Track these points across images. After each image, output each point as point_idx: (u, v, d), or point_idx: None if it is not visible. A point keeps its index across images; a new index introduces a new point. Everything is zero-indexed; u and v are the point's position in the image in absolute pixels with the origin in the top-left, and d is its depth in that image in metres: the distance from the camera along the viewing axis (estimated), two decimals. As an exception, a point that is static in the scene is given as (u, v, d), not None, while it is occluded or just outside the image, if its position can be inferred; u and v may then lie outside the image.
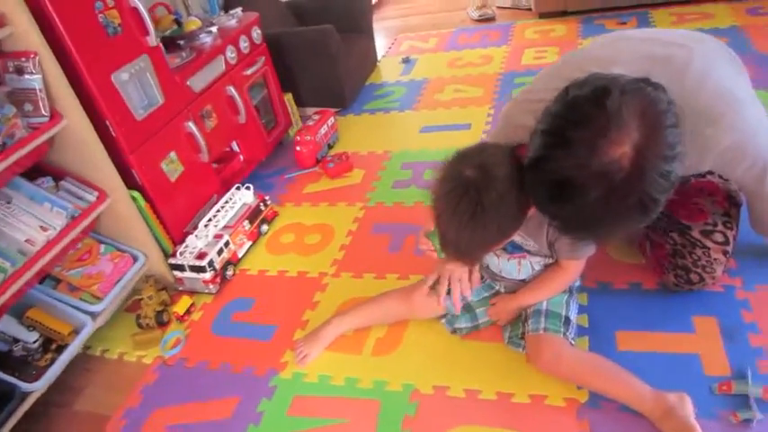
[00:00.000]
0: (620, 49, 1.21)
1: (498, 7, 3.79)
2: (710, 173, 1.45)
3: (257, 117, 2.38)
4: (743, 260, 1.52)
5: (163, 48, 1.96)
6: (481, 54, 3.14)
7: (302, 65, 2.71)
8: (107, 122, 1.66)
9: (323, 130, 2.45)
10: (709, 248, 1.35)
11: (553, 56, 2.97)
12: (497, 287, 1.47)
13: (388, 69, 3.28)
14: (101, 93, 1.62)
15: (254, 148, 2.40)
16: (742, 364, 1.27)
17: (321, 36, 2.60)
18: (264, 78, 2.46)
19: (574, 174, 0.89)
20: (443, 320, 1.51)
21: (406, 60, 3.28)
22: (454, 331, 1.49)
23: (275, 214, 2.13)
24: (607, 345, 1.39)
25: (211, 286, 1.82)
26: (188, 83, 1.96)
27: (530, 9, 3.58)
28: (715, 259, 1.36)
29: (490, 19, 3.66)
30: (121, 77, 1.68)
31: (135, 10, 1.72)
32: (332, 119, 2.53)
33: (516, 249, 1.34)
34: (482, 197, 1.00)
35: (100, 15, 1.61)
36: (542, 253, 1.32)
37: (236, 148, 2.37)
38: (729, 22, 2.87)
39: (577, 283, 1.48)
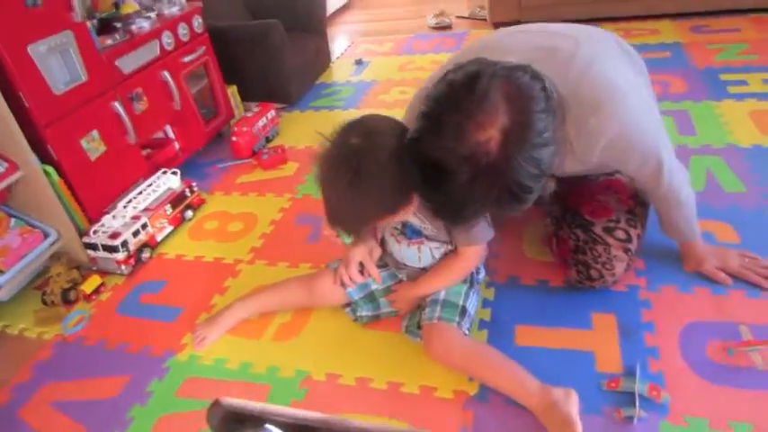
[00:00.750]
0: (517, 40, 1.23)
1: (457, 17, 3.84)
2: (619, 172, 1.48)
3: (194, 105, 2.36)
4: (651, 261, 1.54)
5: (94, 28, 1.95)
6: (432, 59, 3.16)
7: (247, 58, 2.70)
8: (20, 94, 1.62)
9: (261, 123, 2.44)
10: (609, 245, 1.37)
11: (501, 65, 2.99)
12: (401, 276, 1.46)
13: (341, 70, 3.29)
14: (14, 63, 1.59)
15: (191, 137, 2.38)
16: (634, 362, 1.27)
17: (264, 29, 2.60)
18: (205, 68, 2.45)
19: (442, 156, 0.90)
20: (347, 309, 1.49)
21: (359, 62, 3.29)
22: (356, 319, 1.48)
23: (202, 201, 2.11)
24: (506, 339, 1.39)
25: (124, 267, 1.78)
26: (116, 63, 1.94)
27: (484, 19, 3.64)
28: (614, 256, 1.37)
29: (446, 27, 3.70)
30: (39, 50, 1.65)
31: (58, -17, 1.70)
32: (272, 112, 2.52)
33: (415, 235, 1.34)
34: (360, 164, 1.00)
35: (18, -15, 1.58)
36: (441, 238, 1.32)
37: (171, 134, 2.34)
38: (673, 38, 2.94)
39: (482, 275, 1.49)
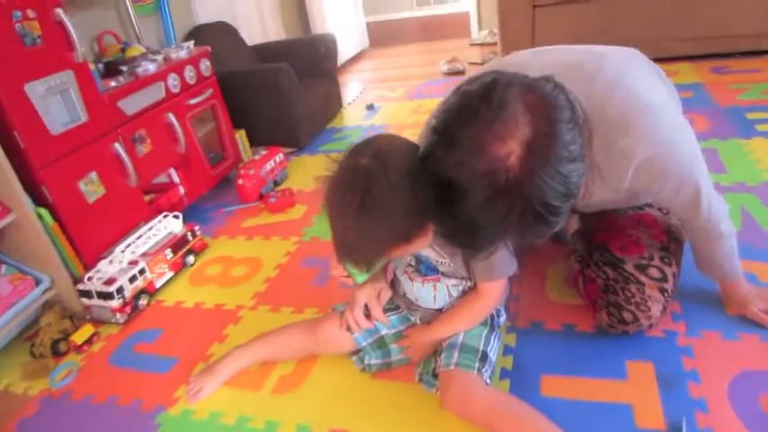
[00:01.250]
0: (538, 58, 1.15)
1: (470, 63, 3.83)
2: (649, 205, 1.36)
3: (201, 149, 2.30)
4: (689, 304, 1.40)
5: (99, 71, 1.92)
6: (445, 103, 3.11)
7: (256, 102, 2.67)
8: (15, 134, 1.56)
9: (269, 166, 2.37)
10: (643, 284, 1.24)
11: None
12: (414, 318, 1.34)
13: (352, 115, 3.25)
14: (9, 102, 1.54)
15: (196, 181, 2.31)
16: (679, 416, 1.12)
17: (274, 74, 2.57)
18: (213, 111, 2.40)
19: (455, 173, 0.79)
20: (354, 357, 1.36)
21: (371, 107, 3.26)
22: (365, 368, 1.34)
23: (204, 246, 2.01)
24: (530, 390, 1.24)
25: (119, 315, 1.67)
26: (119, 104, 1.89)
27: (499, 65, 3.61)
28: (650, 296, 1.24)
29: (460, 72, 3.67)
30: (37, 89, 1.60)
31: (60, 24, 1.67)
32: (280, 155, 2.45)
33: (431, 272, 1.22)
34: (371, 186, 0.89)
35: (17, 25, 1.55)
36: (459, 274, 1.20)
37: (176, 179, 2.28)
38: (694, 79, 2.87)
39: (503, 318, 1.35)
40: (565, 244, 1.55)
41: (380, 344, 1.34)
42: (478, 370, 1.18)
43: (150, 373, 1.47)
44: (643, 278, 1.24)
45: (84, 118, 1.75)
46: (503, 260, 1.14)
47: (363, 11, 4.92)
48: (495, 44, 3.88)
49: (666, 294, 1.26)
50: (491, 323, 1.28)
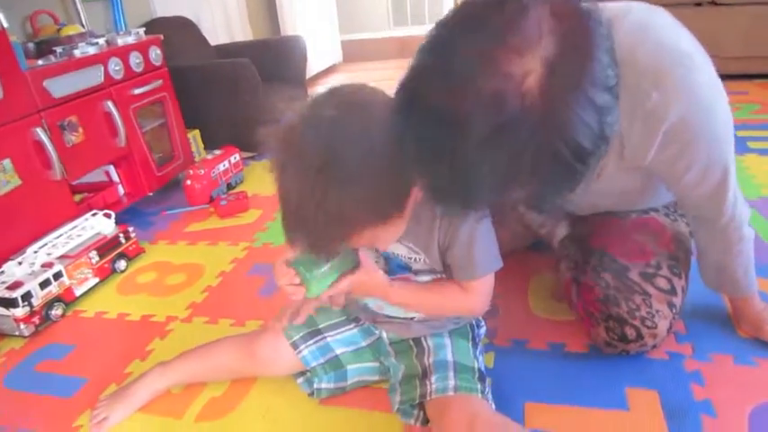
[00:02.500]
0: None
1: (445, 77, 3.67)
2: (655, 210, 1.16)
3: (145, 145, 2.06)
4: (694, 323, 1.20)
5: (29, 50, 1.70)
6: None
7: (214, 100, 2.44)
8: None
9: (222, 167, 2.13)
10: (650, 296, 1.04)
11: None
12: (378, 332, 1.10)
13: (320, 122, 3.04)
14: None
15: (139, 181, 2.06)
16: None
17: (234, 69, 2.36)
18: (163, 106, 2.17)
19: (452, 102, 0.56)
20: (300, 379, 1.11)
21: (340, 115, 3.05)
22: (313, 393, 1.09)
23: (140, 251, 1.75)
24: (511, 419, 1.01)
25: (24, 327, 1.40)
26: (45, 84, 1.64)
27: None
28: (657, 311, 1.04)
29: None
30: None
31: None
32: (236, 156, 2.22)
33: (400, 269, 0.99)
34: (337, 141, 0.68)
35: None
36: (434, 270, 0.97)
37: (115, 177, 2.02)
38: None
39: (483, 330, 1.13)
40: (551, 252, 1.34)
41: (335, 365, 1.09)
42: (482, 393, 0.95)
43: (50, 397, 1.20)
44: (650, 289, 1.04)
45: (-1, 94, 1.51)
46: (486, 252, 0.92)
47: (339, 27, 4.77)
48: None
49: (675, 310, 1.06)
50: (473, 336, 1.06)
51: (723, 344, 1.14)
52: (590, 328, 1.12)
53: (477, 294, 0.95)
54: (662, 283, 1.05)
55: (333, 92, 0.76)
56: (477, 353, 1.05)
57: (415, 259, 0.95)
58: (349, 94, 0.76)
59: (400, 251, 0.95)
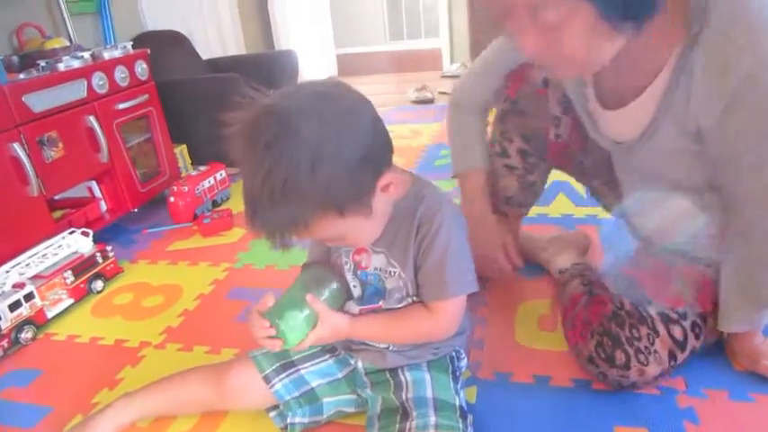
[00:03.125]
0: None
1: (440, 92, 3.65)
2: (709, 266, 1.08)
3: (129, 161, 2.01)
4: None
5: (10, 63, 1.67)
6: (412, 128, 2.90)
7: (202, 116, 2.39)
8: None
9: (207, 183, 2.09)
10: (658, 335, 0.99)
11: (486, 134, 2.74)
12: (354, 362, 1.04)
13: (311, 138, 3.01)
14: None
15: (122, 197, 2.01)
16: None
17: (223, 84, 2.32)
18: (148, 121, 2.13)
19: None
20: (273, 413, 1.06)
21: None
22: (286, 428, 1.04)
23: (118, 271, 1.70)
24: (495, 460, 0.96)
25: (-10, 351, 1.35)
26: (24, 99, 1.60)
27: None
28: (656, 352, 0.99)
29: (428, 101, 3.48)
30: None
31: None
32: (222, 173, 2.18)
33: (372, 297, 0.94)
34: (291, 119, 0.70)
35: None
36: (407, 290, 0.92)
37: (97, 193, 1.98)
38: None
39: (464, 363, 1.07)
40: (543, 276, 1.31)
41: (310, 398, 1.04)
42: (463, 431, 0.90)
43: (11, 428, 1.14)
44: (661, 329, 0.99)
45: (-27, 109, 1.47)
46: (459, 273, 0.88)
47: (334, 41, 4.76)
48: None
49: (672, 364, 1.02)
50: (452, 370, 1.01)
51: (717, 378, 1.08)
52: (578, 339, 1.07)
53: (443, 316, 0.91)
54: (677, 332, 1.00)
55: (300, 84, 0.78)
56: (459, 388, 1.00)
57: (392, 272, 0.91)
58: (316, 85, 0.77)
59: (379, 263, 0.92)
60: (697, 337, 1.02)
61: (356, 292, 0.95)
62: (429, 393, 0.95)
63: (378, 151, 0.79)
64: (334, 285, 0.91)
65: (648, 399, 1.05)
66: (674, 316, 1.00)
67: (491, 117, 1.33)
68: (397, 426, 0.91)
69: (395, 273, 0.90)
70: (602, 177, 1.26)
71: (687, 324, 1.01)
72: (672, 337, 1.00)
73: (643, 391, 1.06)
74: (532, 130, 1.22)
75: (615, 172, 1.19)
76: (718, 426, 0.98)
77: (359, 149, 0.74)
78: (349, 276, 0.95)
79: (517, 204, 1.33)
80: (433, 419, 0.89)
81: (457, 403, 0.95)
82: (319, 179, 0.70)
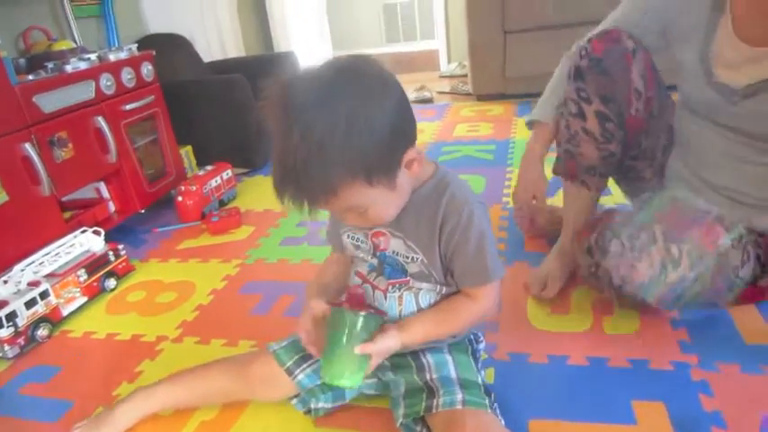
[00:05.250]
0: None
1: (438, 92, 3.67)
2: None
3: (136, 161, 2.03)
4: (697, 332, 1.17)
5: (19, 65, 1.68)
6: (413, 127, 2.92)
7: (207, 117, 2.43)
8: None
9: (214, 183, 2.10)
10: (655, 243, 1.01)
11: (488, 130, 2.76)
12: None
13: (314, 138, 3.03)
14: None
15: (130, 197, 2.02)
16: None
17: (227, 85, 2.34)
18: (154, 121, 2.14)
19: None
20: (294, 400, 1.07)
21: (333, 130, 3.04)
22: (309, 411, 1.05)
23: (130, 269, 1.71)
24: (521, 437, 0.98)
25: (8, 348, 1.35)
26: (34, 99, 1.62)
27: (469, 94, 3.45)
28: (650, 254, 1.01)
29: (427, 100, 3.51)
30: None
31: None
32: (228, 172, 2.19)
33: (397, 273, 0.95)
34: (324, 85, 0.74)
35: None
36: (433, 277, 0.94)
37: (105, 193, 1.99)
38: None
39: (482, 345, 1.09)
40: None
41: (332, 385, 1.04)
42: (490, 407, 0.92)
43: (34, 422, 1.15)
44: (660, 240, 1.01)
45: (-14, 110, 1.48)
46: (496, 259, 0.91)
47: (332, 44, 4.77)
48: (465, 75, 3.74)
49: (663, 278, 1.01)
50: (472, 351, 1.03)
51: (729, 353, 1.11)
52: (584, 234, 1.16)
53: (486, 300, 0.93)
54: (673, 249, 1.00)
55: (329, 60, 0.79)
56: (479, 367, 1.02)
57: (413, 258, 0.92)
58: (349, 58, 0.79)
59: (398, 248, 0.93)
60: (690, 268, 1.01)
61: (375, 267, 0.97)
62: (453, 373, 0.96)
63: (405, 126, 0.81)
64: (370, 320, 0.87)
65: (663, 374, 1.08)
66: (681, 243, 1.01)
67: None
68: (424, 403, 0.92)
69: (417, 259, 0.92)
70: (655, 161, 1.30)
71: (686, 248, 1.01)
72: (668, 250, 1.00)
73: (657, 366, 1.08)
74: (613, 93, 1.19)
75: (682, 145, 1.24)
76: (731, 397, 1.00)
77: (389, 120, 0.75)
78: (368, 257, 0.97)
79: (599, 174, 1.29)
80: (459, 396, 0.91)
81: (480, 382, 0.97)
82: (353, 144, 0.72)
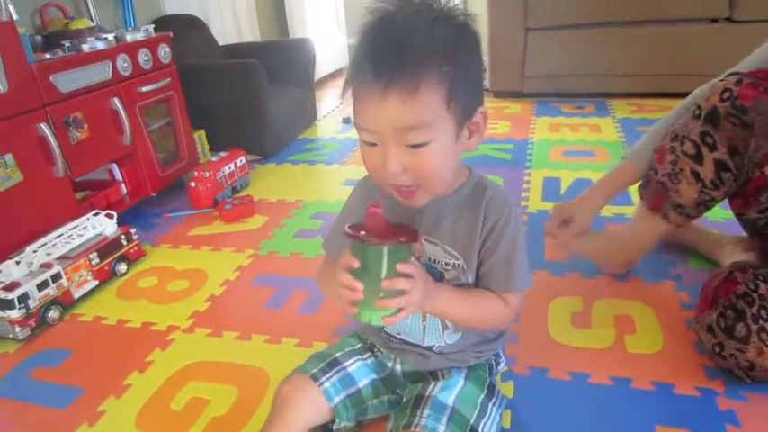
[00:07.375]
0: None
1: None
2: None
3: (150, 144, 2.00)
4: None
5: (36, 43, 1.64)
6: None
7: (221, 101, 2.39)
8: None
9: (227, 169, 2.08)
10: None
11: (505, 128, 2.73)
12: (390, 364, 1.00)
13: (327, 127, 3.01)
14: None
15: (142, 180, 2.00)
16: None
17: (242, 70, 2.31)
18: (169, 105, 2.11)
19: None
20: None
21: (347, 120, 3.02)
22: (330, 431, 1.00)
23: (141, 254, 1.69)
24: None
25: (19, 330, 1.34)
26: (51, 79, 1.59)
27: (486, 90, 3.41)
28: None
29: (443, 94, 3.47)
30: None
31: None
32: (242, 159, 2.17)
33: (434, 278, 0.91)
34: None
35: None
36: (464, 279, 0.89)
37: (118, 175, 1.97)
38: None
39: (501, 366, 1.06)
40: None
41: (356, 400, 0.98)
42: None
43: (43, 407, 1.14)
44: None
45: (2, 88, 1.45)
46: (525, 267, 0.88)
47: (347, 31, 4.72)
48: (483, 70, 3.69)
49: None
50: (489, 384, 0.96)
51: (756, 382, 1.09)
52: (704, 308, 1.10)
53: (514, 308, 0.90)
54: None
55: None
56: (490, 407, 0.93)
57: (454, 265, 0.88)
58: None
59: (436, 255, 0.89)
60: None
61: None
62: (451, 402, 0.89)
63: (482, 80, 0.83)
64: (397, 251, 0.77)
65: (689, 399, 1.04)
66: None
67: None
68: (407, 418, 0.87)
69: (458, 264, 0.88)
70: None
71: None
72: None
73: (682, 392, 1.05)
74: (746, 148, 1.03)
75: None
76: (759, 428, 0.98)
77: (478, 63, 0.80)
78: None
79: (686, 215, 1.19)
80: (442, 428, 0.84)
81: (471, 421, 0.88)
82: (457, 48, 0.74)
